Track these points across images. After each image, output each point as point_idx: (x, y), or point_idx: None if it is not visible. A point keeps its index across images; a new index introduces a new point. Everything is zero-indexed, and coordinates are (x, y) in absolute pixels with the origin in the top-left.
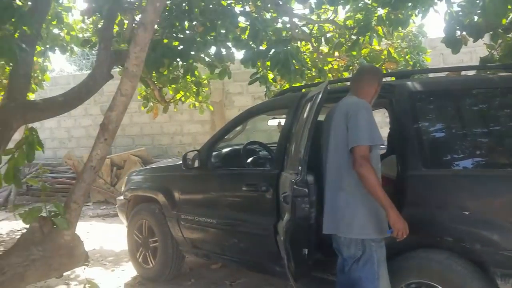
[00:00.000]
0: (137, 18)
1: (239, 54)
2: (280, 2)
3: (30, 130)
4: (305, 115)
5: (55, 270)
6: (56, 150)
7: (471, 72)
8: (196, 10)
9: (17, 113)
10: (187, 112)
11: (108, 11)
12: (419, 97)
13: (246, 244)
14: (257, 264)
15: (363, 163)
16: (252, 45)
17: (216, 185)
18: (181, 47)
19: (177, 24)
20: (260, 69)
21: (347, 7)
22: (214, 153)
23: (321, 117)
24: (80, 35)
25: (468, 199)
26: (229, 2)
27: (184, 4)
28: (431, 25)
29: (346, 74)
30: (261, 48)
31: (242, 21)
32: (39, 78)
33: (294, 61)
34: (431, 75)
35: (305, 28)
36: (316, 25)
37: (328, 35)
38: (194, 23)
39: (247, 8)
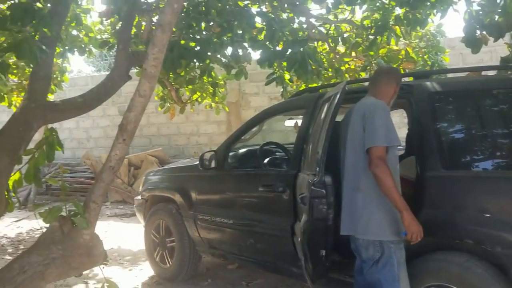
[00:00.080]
0: (154, 19)
1: (255, 55)
2: (297, 3)
3: (50, 130)
4: (322, 116)
5: (75, 269)
6: (74, 150)
7: (492, 72)
8: (213, 11)
9: (37, 113)
10: (203, 112)
11: (126, 12)
12: (438, 98)
13: (263, 244)
14: (273, 265)
15: (379, 164)
16: (269, 46)
17: (232, 185)
18: (198, 48)
19: (194, 25)
20: (277, 69)
21: (364, 6)
22: (230, 154)
23: (338, 118)
24: (98, 37)
25: (488, 201)
26: (245, 2)
27: (201, 6)
28: (450, 24)
29: (363, 74)
30: (277, 48)
31: (258, 21)
32: (58, 79)
33: (311, 62)
34: (450, 75)
35: (321, 28)
36: (333, 25)
37: (345, 35)
38: (211, 24)
39: (264, 9)
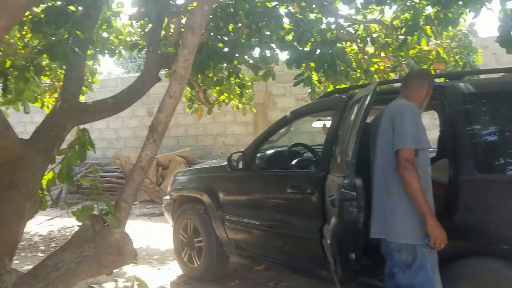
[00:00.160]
0: (183, 21)
1: (282, 56)
2: (325, 3)
3: (82, 131)
4: (352, 117)
5: (106, 267)
6: (104, 150)
7: None
8: (240, 12)
9: (71, 114)
10: (230, 113)
11: (156, 15)
12: (472, 99)
13: (291, 246)
14: (301, 267)
15: (407, 167)
16: (297, 46)
17: (260, 186)
18: (226, 49)
19: (222, 26)
20: (304, 70)
21: (394, 6)
22: (258, 155)
23: (368, 119)
24: (128, 39)
25: None
26: (273, 4)
27: (229, 7)
28: (483, 23)
29: (393, 75)
30: (306, 49)
31: (286, 22)
32: (89, 80)
33: (339, 62)
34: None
35: (350, 29)
36: (362, 25)
37: (374, 35)
38: (239, 25)
39: (291, 10)
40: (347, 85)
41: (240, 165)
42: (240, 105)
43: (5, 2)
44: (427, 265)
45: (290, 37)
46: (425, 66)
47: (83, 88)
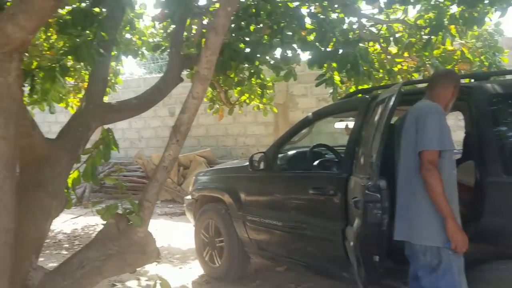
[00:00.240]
0: (205, 22)
1: (304, 56)
2: (348, 3)
3: (106, 131)
4: (376, 118)
5: (130, 265)
6: (127, 150)
7: None
8: (262, 12)
9: (95, 114)
10: (251, 114)
11: (179, 16)
12: (499, 100)
13: (313, 248)
14: (323, 268)
15: (430, 168)
16: (319, 47)
17: (282, 187)
18: (248, 49)
19: (244, 27)
20: (326, 70)
21: (418, 6)
22: (280, 155)
23: (392, 120)
24: (151, 40)
25: None
26: (295, 4)
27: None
28: (509, 23)
29: (416, 75)
30: (328, 49)
31: (308, 22)
32: (112, 81)
33: (362, 62)
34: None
35: (372, 29)
36: (385, 25)
37: (397, 35)
38: (261, 25)
39: (313, 9)
40: (370, 86)
41: (262, 166)
42: (261, 106)
43: (33, 6)
44: (453, 268)
45: (312, 37)
46: (449, 66)
47: (107, 89)
